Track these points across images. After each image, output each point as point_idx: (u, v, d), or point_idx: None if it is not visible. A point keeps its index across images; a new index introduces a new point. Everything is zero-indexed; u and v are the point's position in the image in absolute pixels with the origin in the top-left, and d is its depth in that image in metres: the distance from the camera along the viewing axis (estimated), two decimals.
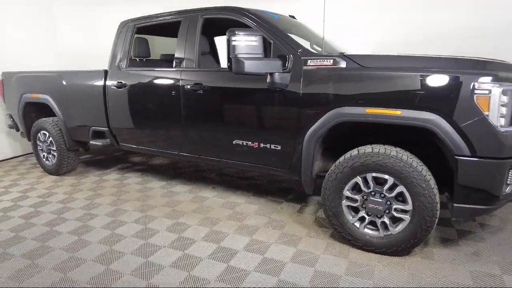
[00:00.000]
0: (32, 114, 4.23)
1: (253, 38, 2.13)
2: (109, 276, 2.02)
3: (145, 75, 3.10)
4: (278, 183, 3.64)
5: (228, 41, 2.09)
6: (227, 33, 2.10)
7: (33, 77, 3.96)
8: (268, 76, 2.26)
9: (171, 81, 2.89)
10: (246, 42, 2.11)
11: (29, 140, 4.30)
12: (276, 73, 2.24)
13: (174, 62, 2.91)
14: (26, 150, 5.24)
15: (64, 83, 3.61)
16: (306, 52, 2.30)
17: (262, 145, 2.52)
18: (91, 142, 3.59)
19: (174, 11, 3.02)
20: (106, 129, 3.43)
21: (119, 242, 2.42)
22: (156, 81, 3.02)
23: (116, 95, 3.24)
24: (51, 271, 2.08)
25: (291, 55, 2.30)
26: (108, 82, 3.28)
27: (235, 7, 2.64)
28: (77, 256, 2.24)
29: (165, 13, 3.09)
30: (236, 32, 2.08)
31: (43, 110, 4.06)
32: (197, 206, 3.06)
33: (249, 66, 2.09)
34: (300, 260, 2.13)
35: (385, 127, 2.05)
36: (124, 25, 3.32)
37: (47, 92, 3.77)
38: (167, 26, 3.14)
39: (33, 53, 5.17)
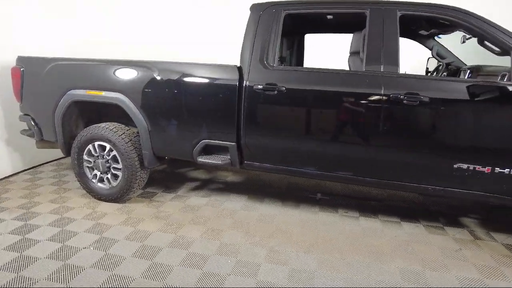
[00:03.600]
0: (73, 118, 3.06)
1: None
2: None
3: (318, 77, 2.42)
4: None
5: None
6: None
7: (93, 68, 2.83)
8: None
9: (362, 88, 2.30)
10: None
11: (67, 154, 3.10)
12: None
13: (364, 64, 2.33)
14: (28, 164, 3.83)
15: (158, 78, 2.64)
16: None
17: (498, 169, 2.15)
18: (199, 160, 2.70)
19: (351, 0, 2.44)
20: (233, 143, 2.60)
21: None
22: (336, 87, 2.37)
23: (262, 101, 2.47)
24: None
25: None
26: (248, 83, 2.48)
27: (462, 9, 2.22)
28: None
29: (335, 1, 2.47)
30: None
31: (93, 113, 3.15)
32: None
33: None
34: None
35: None
36: (266, 8, 2.56)
37: (121, 89, 2.72)
38: (330, 19, 2.52)
39: (39, 36, 3.80)
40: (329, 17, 2.70)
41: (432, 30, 2.89)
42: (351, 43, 2.71)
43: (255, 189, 3.50)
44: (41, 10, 3.84)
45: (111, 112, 3.18)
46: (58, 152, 3.83)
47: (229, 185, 3.61)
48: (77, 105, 2.97)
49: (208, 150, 2.73)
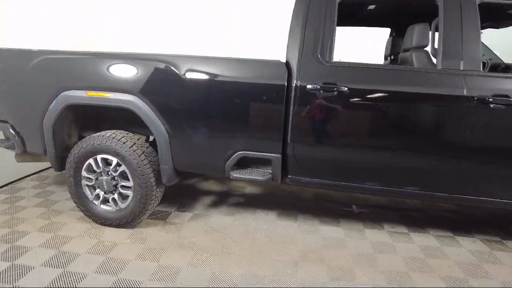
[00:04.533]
0: (66, 125, 2.48)
1: None
2: None
3: (389, 75, 2.02)
4: None
5: None
6: None
7: (97, 63, 2.26)
8: None
9: (441, 89, 1.94)
10: None
11: (60, 169, 2.51)
12: None
13: (440, 60, 1.96)
14: (3, 179, 3.16)
15: (184, 76, 2.13)
16: None
17: None
18: (234, 175, 2.23)
19: None
20: (277, 155, 2.16)
21: None
22: (411, 87, 1.99)
23: (317, 104, 2.05)
24: None
25: None
26: (299, 82, 2.04)
27: None
28: None
29: None
30: None
31: (90, 119, 2.61)
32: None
33: None
34: None
35: None
36: None
37: (134, 90, 2.19)
38: (392, 8, 2.14)
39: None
40: (390, 6, 2.31)
41: (489, 23, 2.59)
42: (411, 37, 2.33)
43: (280, 202, 3.07)
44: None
45: (113, 118, 2.62)
46: (39, 163, 3.20)
47: (250, 198, 3.15)
48: (72, 109, 2.39)
49: (242, 162, 2.26)
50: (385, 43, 3.20)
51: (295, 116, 2.05)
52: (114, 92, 2.21)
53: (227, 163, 2.22)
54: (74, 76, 2.26)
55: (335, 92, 2.00)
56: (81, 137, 2.74)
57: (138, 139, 2.39)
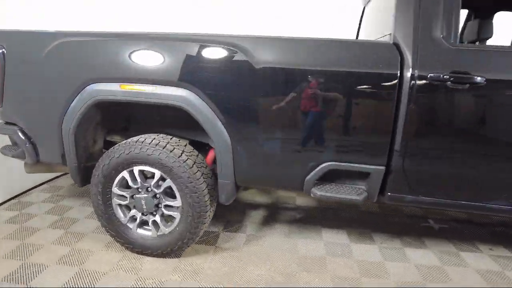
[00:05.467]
0: (91, 128, 1.95)
1: None
2: None
3: None
4: None
5: None
6: None
7: (137, 45, 1.70)
8: None
9: None
10: None
11: (82, 184, 1.98)
12: None
13: None
14: (8, 193, 2.62)
15: (254, 64, 1.59)
16: None
17: None
18: (317, 192, 1.70)
19: None
20: (379, 168, 1.63)
21: None
22: None
23: (442, 100, 1.52)
24: None
25: None
26: (417, 71, 1.51)
27: None
28: None
29: None
30: None
31: (120, 120, 2.13)
32: None
33: None
34: None
35: None
36: None
37: (189, 83, 1.64)
38: None
39: None
40: None
41: None
42: None
43: (342, 216, 2.57)
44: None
45: (143, 118, 2.09)
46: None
47: (305, 211, 2.64)
48: (101, 108, 1.85)
49: (324, 176, 1.73)
50: None
51: (409, 116, 1.53)
52: (160, 85, 1.67)
53: (308, 176, 1.70)
54: (105, 65, 1.71)
55: (467, 85, 1.47)
56: (107, 143, 2.20)
57: (185, 146, 1.86)
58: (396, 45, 1.54)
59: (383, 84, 1.51)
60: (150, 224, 1.91)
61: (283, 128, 1.62)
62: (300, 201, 2.83)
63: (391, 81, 1.50)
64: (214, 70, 1.60)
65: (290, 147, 1.66)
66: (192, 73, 1.62)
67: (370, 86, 1.52)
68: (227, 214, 2.51)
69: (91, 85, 1.75)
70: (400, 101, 1.52)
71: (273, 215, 2.55)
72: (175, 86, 1.65)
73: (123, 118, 2.12)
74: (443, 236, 2.34)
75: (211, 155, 2.04)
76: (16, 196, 2.69)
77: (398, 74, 1.50)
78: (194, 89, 1.63)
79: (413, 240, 2.28)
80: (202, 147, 2.04)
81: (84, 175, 1.98)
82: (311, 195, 1.73)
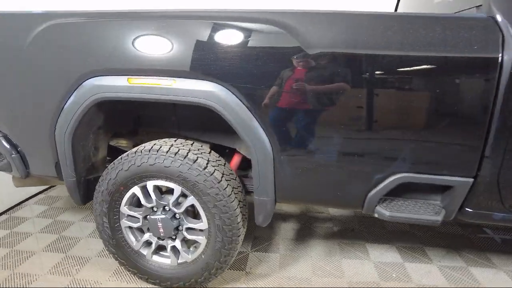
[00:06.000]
0: (92, 133, 1.56)
1: None
2: None
3: None
4: None
5: None
6: None
7: (144, 27, 1.31)
8: None
9: None
10: None
11: (83, 202, 1.61)
12: None
13: None
14: None
15: (312, 51, 1.20)
16: None
17: None
18: (383, 212, 1.34)
19: None
20: (466, 179, 1.27)
21: None
22: None
23: None
24: None
25: None
26: None
27: None
28: None
29: None
30: None
31: (127, 122, 1.76)
32: None
33: None
34: None
35: None
36: None
37: (217, 75, 1.26)
38: None
39: None
40: None
41: None
42: None
43: (387, 230, 2.22)
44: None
45: (159, 119, 1.73)
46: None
47: (341, 223, 2.29)
48: (105, 107, 1.47)
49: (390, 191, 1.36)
50: None
51: (509, 113, 1.15)
52: (179, 77, 1.29)
53: (371, 192, 1.34)
54: (107, 52, 1.33)
55: None
56: (111, 150, 1.83)
57: (210, 153, 1.49)
58: (494, 20, 1.16)
59: (479, 71, 1.13)
60: (168, 250, 1.54)
61: (343, 131, 1.25)
62: (333, 210, 2.47)
63: (489, 67, 1.12)
64: (251, 57, 1.22)
65: (351, 155, 1.29)
66: (221, 61, 1.24)
67: (462, 74, 1.15)
68: (252, 228, 2.16)
69: (91, 79, 1.37)
70: (498, 93, 1.15)
71: (306, 228, 2.19)
72: (199, 79, 1.27)
73: (132, 120, 1.74)
74: (506, 251, 1.99)
75: (235, 160, 1.68)
76: (6, 211, 2.33)
77: (500, 58, 1.12)
78: (224, 82, 1.25)
79: (476, 256, 1.93)
80: (219, 150, 1.67)
81: (85, 191, 1.61)
82: (375, 214, 1.37)
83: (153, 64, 1.29)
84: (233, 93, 1.26)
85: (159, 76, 1.30)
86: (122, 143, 1.95)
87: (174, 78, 1.29)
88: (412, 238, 2.10)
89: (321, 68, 1.19)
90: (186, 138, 1.73)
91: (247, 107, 1.27)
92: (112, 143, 1.92)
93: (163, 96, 1.32)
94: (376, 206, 1.36)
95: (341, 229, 2.19)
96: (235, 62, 1.23)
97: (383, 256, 1.91)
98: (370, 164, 1.29)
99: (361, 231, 2.17)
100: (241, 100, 1.26)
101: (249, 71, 1.23)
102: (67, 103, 1.42)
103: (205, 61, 1.25)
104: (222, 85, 1.26)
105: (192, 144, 1.49)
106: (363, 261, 1.86)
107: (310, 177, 1.34)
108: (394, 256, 1.91)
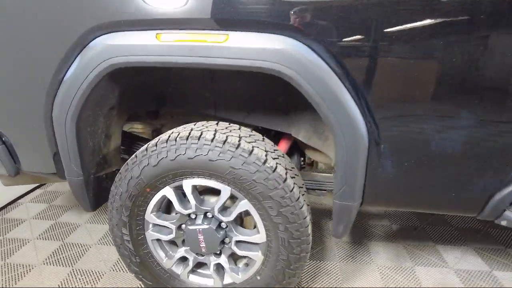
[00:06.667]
0: (103, 116, 1.14)
1: None
2: None
3: None
4: None
5: None
6: None
7: None
8: None
9: None
10: None
11: (93, 207, 1.20)
12: None
13: None
14: None
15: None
16: None
17: None
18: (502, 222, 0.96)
19: None
20: None
21: None
22: None
23: None
24: None
25: None
26: None
27: None
28: None
29: None
30: None
31: (148, 100, 1.31)
32: None
33: None
34: None
35: None
36: None
37: (294, 27, 0.83)
38: None
39: None
40: None
41: None
42: None
43: (456, 228, 1.86)
44: None
45: (190, 95, 1.32)
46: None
47: (400, 219, 1.94)
48: (120, 78, 1.06)
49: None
50: None
51: None
52: (235, 30, 0.87)
53: (498, 195, 0.95)
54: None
55: None
56: (129, 138, 1.43)
57: (264, 141, 1.09)
58: None
59: None
60: (211, 269, 1.17)
61: (481, 110, 0.85)
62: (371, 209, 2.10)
63: None
64: (352, 7, 0.80)
65: (483, 143, 0.89)
66: (301, 6, 0.82)
67: None
68: None
69: (101, 37, 0.95)
70: None
71: (360, 226, 1.84)
72: (268, 32, 0.85)
73: (155, 97, 1.32)
74: None
75: (282, 146, 1.30)
76: (0, 209, 1.94)
77: None
78: (306, 37, 0.84)
79: None
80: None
81: (95, 194, 1.22)
82: (500, 222, 0.99)
83: (194, 12, 0.87)
84: (319, 55, 0.85)
85: (204, 29, 0.88)
86: (137, 128, 1.54)
87: (227, 32, 0.87)
88: (488, 238, 1.75)
89: (454, 17, 0.77)
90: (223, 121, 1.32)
91: (336, 73, 0.86)
92: (125, 128, 1.51)
93: (209, 59, 0.90)
94: (503, 211, 0.98)
95: (401, 227, 1.84)
96: (322, 8, 0.81)
97: (463, 261, 1.56)
98: (500, 160, 0.90)
99: (424, 229, 1.82)
100: (328, 64, 0.85)
101: (343, 20, 0.81)
102: (68, 73, 1.00)
103: (275, 7, 0.83)
104: (300, 41, 0.85)
105: (240, 129, 1.09)
106: (441, 268, 1.51)
107: (420, 174, 0.96)
108: (476, 261, 1.57)
